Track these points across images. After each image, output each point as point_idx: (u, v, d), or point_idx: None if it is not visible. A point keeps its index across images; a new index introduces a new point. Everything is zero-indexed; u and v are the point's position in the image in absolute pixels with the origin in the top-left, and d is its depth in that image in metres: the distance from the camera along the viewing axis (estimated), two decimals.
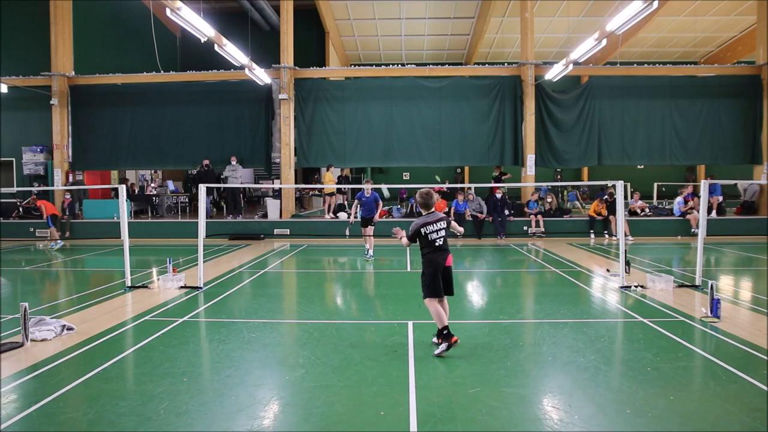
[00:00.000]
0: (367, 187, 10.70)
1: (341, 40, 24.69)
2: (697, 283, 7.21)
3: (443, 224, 4.69)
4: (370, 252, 10.51)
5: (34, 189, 14.64)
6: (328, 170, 15.74)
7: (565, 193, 21.97)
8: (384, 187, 16.09)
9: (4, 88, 15.16)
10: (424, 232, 4.62)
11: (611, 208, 14.02)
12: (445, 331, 4.49)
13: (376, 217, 10.76)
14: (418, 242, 4.72)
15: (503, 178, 16.09)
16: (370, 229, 10.65)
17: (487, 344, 4.86)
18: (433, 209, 4.79)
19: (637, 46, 25.41)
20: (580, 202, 19.75)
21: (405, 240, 4.80)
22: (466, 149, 15.98)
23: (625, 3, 9.87)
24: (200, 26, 10.24)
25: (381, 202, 10.87)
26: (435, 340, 4.73)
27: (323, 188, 16.35)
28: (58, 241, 13.45)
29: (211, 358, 4.61)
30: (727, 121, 15.84)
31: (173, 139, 16.42)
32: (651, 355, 4.47)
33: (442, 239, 4.66)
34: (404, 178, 27.94)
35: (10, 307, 6.39)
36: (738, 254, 11.37)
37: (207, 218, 11.37)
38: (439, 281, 4.60)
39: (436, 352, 4.49)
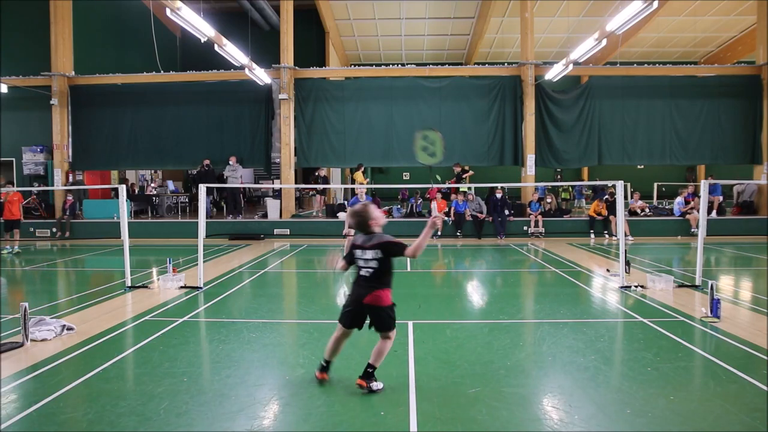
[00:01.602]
0: (362, 189, 10.33)
1: (341, 40, 24.69)
2: (697, 283, 7.21)
3: (377, 254, 3.65)
4: None
5: (34, 189, 14.62)
6: (359, 170, 15.69)
7: (572, 189, 22.04)
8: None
9: (4, 88, 15.16)
10: (356, 256, 3.75)
11: (611, 208, 14.03)
12: (325, 364, 3.90)
13: None
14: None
15: (464, 176, 15.97)
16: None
17: (487, 344, 4.86)
18: (374, 230, 3.73)
19: (637, 46, 25.41)
20: (585, 198, 19.73)
21: (343, 253, 3.85)
22: (466, 149, 15.97)
23: (625, 3, 9.87)
24: (200, 26, 10.25)
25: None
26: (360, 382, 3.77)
27: (355, 187, 16.34)
28: (15, 246, 12.25)
29: (211, 358, 4.60)
30: (727, 121, 15.84)
31: (173, 139, 16.43)
32: (651, 355, 4.47)
33: (370, 271, 3.67)
34: (404, 178, 27.93)
35: (10, 307, 6.39)
36: (738, 254, 11.37)
37: (207, 218, 11.38)
38: (350, 313, 3.78)
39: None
